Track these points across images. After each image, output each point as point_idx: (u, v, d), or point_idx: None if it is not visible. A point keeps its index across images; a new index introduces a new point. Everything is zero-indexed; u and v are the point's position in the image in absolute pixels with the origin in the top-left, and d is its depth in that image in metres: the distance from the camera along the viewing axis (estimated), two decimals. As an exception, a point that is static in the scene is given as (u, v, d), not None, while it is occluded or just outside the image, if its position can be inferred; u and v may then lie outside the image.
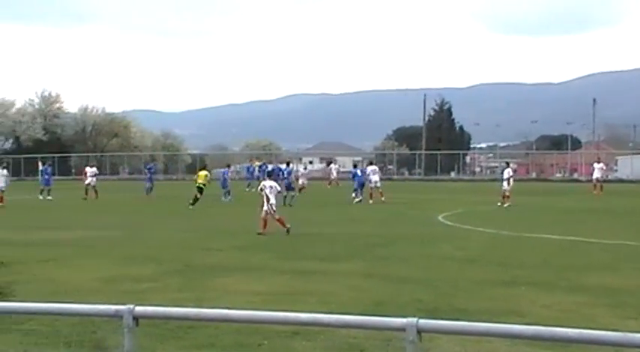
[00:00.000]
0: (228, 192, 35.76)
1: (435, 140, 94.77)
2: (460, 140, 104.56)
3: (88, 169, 41.16)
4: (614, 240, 18.60)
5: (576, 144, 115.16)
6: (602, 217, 26.62)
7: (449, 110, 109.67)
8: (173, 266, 14.21)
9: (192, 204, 30.12)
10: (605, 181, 47.97)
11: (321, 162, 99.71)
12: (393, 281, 12.34)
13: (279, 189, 21.51)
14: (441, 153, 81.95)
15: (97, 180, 40.88)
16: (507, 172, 32.90)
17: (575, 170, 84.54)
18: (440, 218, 25.72)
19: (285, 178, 33.64)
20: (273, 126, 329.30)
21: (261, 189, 20.50)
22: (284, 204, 29.39)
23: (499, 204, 31.62)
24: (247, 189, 41.62)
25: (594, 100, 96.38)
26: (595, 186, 40.93)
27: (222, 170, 39.18)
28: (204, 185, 31.45)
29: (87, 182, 40.06)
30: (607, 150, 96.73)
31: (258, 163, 60.07)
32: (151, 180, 41.28)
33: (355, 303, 10.41)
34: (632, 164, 75.02)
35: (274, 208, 20.31)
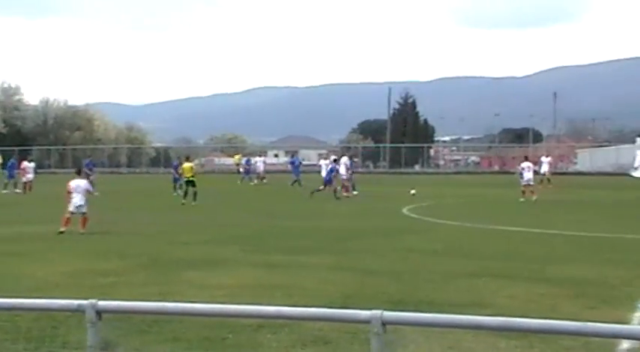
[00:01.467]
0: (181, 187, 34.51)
1: (399, 133, 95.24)
2: (424, 133, 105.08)
3: (26, 164, 39.04)
4: (576, 232, 18.87)
5: (538, 137, 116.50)
6: (563, 209, 26.98)
7: (413, 103, 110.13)
8: (139, 261, 14.11)
9: (194, 199, 28.54)
10: (563, 174, 48.58)
11: (286, 156, 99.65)
12: (359, 274, 12.39)
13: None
14: (405, 147, 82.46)
15: (34, 176, 39.07)
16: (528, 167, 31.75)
17: (536, 163, 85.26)
18: (405, 211, 25.87)
19: (334, 171, 33.75)
20: (238, 119, 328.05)
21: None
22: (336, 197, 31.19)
23: (522, 199, 30.40)
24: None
25: (555, 94, 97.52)
26: (542, 180, 38.78)
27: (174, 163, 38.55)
28: (192, 177, 29.67)
29: (26, 178, 38.04)
30: (567, 143, 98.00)
31: (238, 157, 60.39)
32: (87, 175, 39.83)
33: (321, 296, 10.42)
34: (591, 157, 76.21)
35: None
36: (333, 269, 12.89)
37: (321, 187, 33.30)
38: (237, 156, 61.71)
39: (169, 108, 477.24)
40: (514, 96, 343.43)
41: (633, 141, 76.53)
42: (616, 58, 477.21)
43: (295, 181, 41.28)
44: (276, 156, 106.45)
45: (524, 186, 30.91)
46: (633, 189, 40.45)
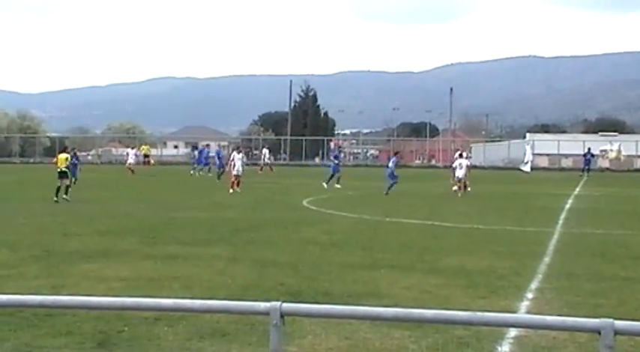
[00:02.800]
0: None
1: (300, 125, 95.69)
2: (325, 126, 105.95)
3: None
4: (469, 224, 19.46)
5: (434, 131, 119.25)
6: (458, 202, 27.74)
7: (314, 96, 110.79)
8: (30, 252, 13.67)
9: (66, 194, 26.23)
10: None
11: (186, 147, 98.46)
12: (257, 266, 12.40)
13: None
14: (306, 139, 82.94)
15: None
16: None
17: (433, 156, 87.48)
18: (304, 203, 26.03)
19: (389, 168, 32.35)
20: (136, 109, 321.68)
21: None
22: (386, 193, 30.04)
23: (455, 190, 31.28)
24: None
25: (451, 90, 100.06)
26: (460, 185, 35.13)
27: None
28: (67, 169, 28.23)
29: None
30: (462, 137, 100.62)
31: (146, 148, 59.98)
32: None
33: (220, 288, 10.39)
34: (484, 151, 78.58)
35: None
36: (231, 261, 12.85)
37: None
38: (144, 147, 61.35)
39: (66, 97, 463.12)
40: (412, 91, 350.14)
41: (523, 137, 79.40)
42: (509, 56, 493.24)
43: (221, 173, 40.40)
44: (175, 147, 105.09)
45: (457, 181, 31.49)
46: (523, 183, 41.96)
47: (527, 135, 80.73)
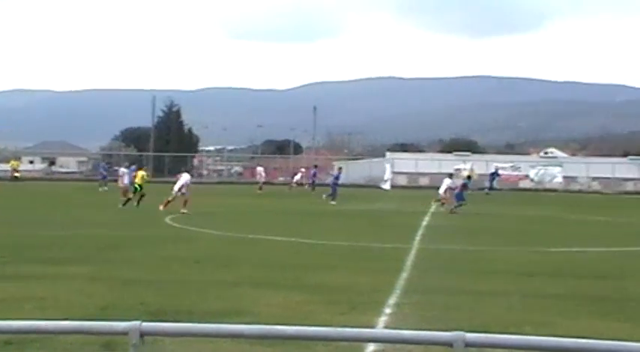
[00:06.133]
0: None
1: (163, 141, 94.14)
2: (189, 142, 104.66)
3: None
4: (331, 241, 19.77)
5: (298, 149, 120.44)
6: (321, 219, 28.13)
7: (178, 112, 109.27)
8: None
9: None
10: (319, 185, 50.77)
11: (42, 162, 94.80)
12: (118, 285, 12.10)
13: None
14: (169, 155, 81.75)
15: None
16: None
17: (296, 174, 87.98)
18: (167, 220, 25.63)
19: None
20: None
21: None
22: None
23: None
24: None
25: (315, 108, 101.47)
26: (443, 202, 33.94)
27: None
28: None
29: None
30: (326, 155, 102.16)
31: (16, 163, 58.96)
32: None
33: (77, 308, 10.06)
34: (346, 169, 79.95)
35: None
36: (90, 280, 12.48)
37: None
38: (14, 162, 60.04)
39: None
40: (276, 109, 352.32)
41: (384, 155, 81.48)
42: (370, 76, 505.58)
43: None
44: (31, 162, 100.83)
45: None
46: (383, 200, 43.07)
47: (387, 153, 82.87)
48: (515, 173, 69.13)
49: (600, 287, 13.06)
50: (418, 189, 55.33)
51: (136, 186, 32.28)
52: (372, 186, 61.19)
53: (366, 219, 29.02)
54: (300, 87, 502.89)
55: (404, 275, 13.92)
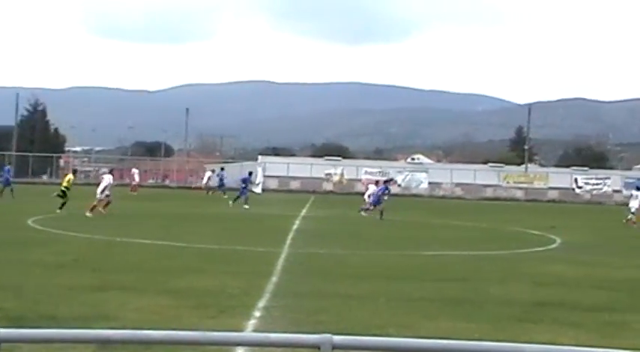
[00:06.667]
0: None
1: (27, 141, 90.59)
2: (55, 142, 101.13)
3: None
4: (202, 244, 19.62)
5: (170, 151, 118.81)
6: (192, 222, 27.83)
7: (43, 111, 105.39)
8: None
9: None
10: (196, 188, 50.17)
11: None
12: (-26, 291, 11.55)
13: None
14: (33, 156, 78.72)
15: None
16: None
17: (167, 176, 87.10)
18: (30, 222, 24.66)
19: None
20: None
21: None
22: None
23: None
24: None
25: (187, 110, 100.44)
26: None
27: None
28: None
29: None
30: (197, 158, 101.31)
31: None
32: None
33: None
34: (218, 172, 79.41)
35: None
36: (-56, 286, 11.84)
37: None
38: None
39: None
40: (147, 110, 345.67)
41: (256, 159, 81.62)
42: (244, 80, 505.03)
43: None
44: None
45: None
46: (254, 204, 43.03)
47: (259, 157, 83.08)
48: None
49: (461, 290, 13.60)
50: (289, 193, 55.69)
51: (63, 188, 30.55)
52: (243, 190, 60.96)
53: (237, 222, 28.96)
54: (172, 88, 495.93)
55: (274, 278, 14.00)
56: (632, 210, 35.25)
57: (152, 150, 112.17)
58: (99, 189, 29.72)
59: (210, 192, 51.85)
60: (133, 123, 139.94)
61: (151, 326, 8.68)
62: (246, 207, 36.98)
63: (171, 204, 39.01)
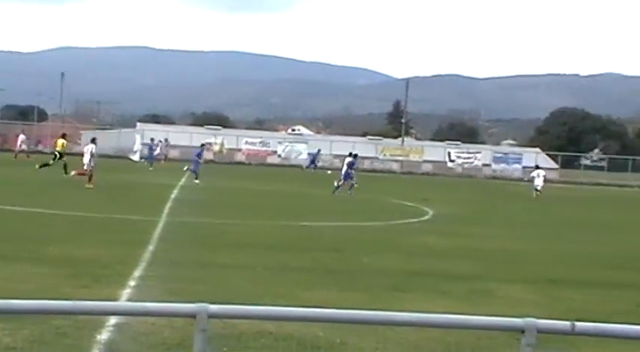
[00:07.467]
0: None
1: None
2: None
3: None
4: (76, 212, 19.14)
5: (43, 116, 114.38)
6: (67, 190, 27.01)
7: None
8: None
9: None
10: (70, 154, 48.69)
11: None
12: None
13: None
14: None
15: None
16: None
17: (40, 141, 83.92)
18: None
19: None
20: None
21: None
22: None
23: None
24: None
25: (62, 74, 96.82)
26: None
27: None
28: None
29: None
30: (73, 124, 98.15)
31: None
32: None
33: None
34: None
35: None
36: None
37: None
38: None
39: None
40: (20, 72, 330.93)
41: (134, 126, 79.91)
42: (123, 45, 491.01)
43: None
44: None
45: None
46: (132, 172, 42.25)
47: (138, 124, 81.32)
48: (264, 148, 70.93)
49: (336, 260, 13.91)
50: (168, 161, 54.91)
51: (56, 153, 29.37)
52: (121, 157, 59.73)
53: (114, 190, 28.34)
54: (47, 51, 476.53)
55: (150, 247, 13.86)
56: (538, 187, 37.96)
57: (24, 114, 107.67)
58: (85, 159, 29.00)
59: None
60: (5, 85, 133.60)
61: (23, 295, 8.45)
62: (197, 181, 34.93)
63: (48, 170, 37.62)
